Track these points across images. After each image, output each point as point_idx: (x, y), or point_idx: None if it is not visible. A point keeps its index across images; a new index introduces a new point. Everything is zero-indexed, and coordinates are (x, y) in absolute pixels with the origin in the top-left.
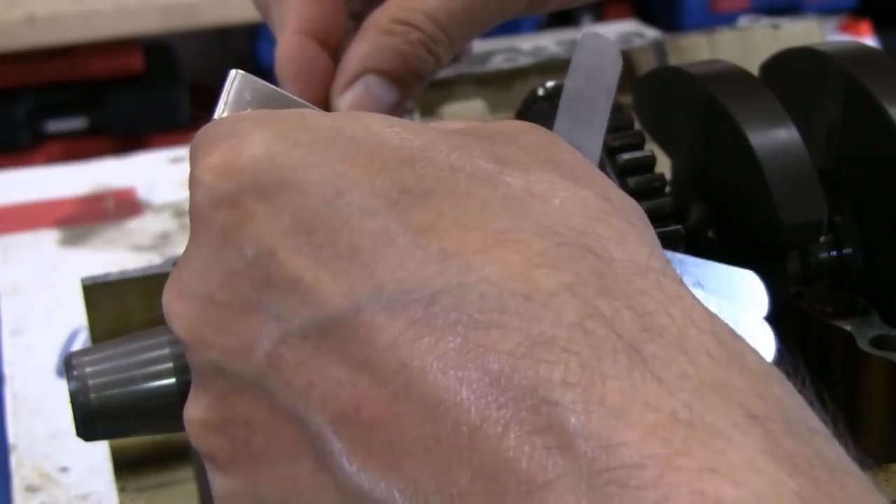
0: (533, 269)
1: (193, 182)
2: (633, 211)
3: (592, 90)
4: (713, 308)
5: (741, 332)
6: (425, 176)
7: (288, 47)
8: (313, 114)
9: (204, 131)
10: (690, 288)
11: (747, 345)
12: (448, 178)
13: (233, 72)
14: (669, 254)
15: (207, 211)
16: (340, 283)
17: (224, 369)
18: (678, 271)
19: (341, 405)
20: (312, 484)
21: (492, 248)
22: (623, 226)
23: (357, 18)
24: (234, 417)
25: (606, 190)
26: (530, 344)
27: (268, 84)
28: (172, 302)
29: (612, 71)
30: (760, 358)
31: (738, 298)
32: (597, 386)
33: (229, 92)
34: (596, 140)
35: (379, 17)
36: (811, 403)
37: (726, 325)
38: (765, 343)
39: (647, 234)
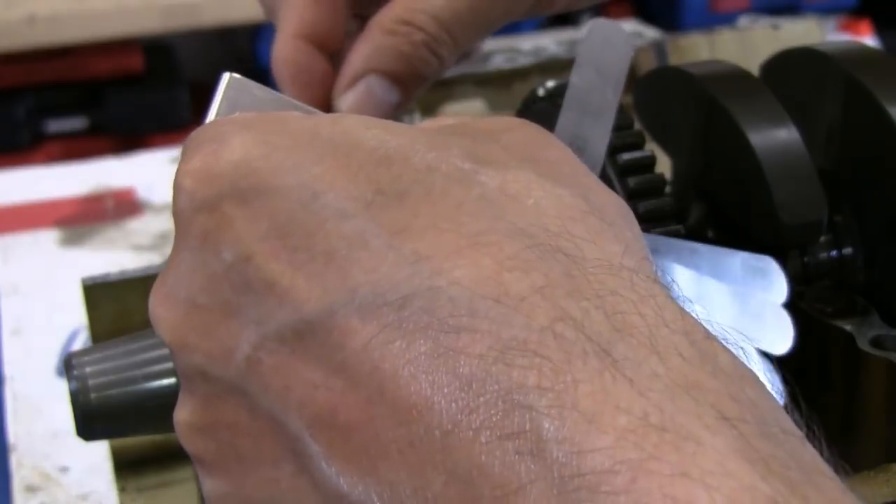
0: (504, 273)
1: (175, 187)
2: (614, 209)
3: (601, 80)
4: (729, 297)
5: (760, 319)
6: (401, 177)
7: (283, 50)
8: (295, 117)
9: (191, 136)
10: (705, 277)
11: (720, 345)
12: (424, 179)
13: (225, 75)
14: (684, 243)
15: (188, 216)
16: (315, 287)
17: (207, 373)
18: (693, 261)
19: (318, 408)
20: (294, 486)
21: (464, 250)
22: (598, 224)
23: (363, 19)
24: (219, 420)
25: (586, 188)
26: (501, 348)
27: (260, 86)
28: (157, 306)
29: (623, 60)
30: (734, 358)
31: (757, 285)
32: (570, 390)
33: (220, 95)
34: (603, 132)
35: (383, 18)
36: (785, 405)
37: (699, 325)
38: (783, 330)
39: (626, 231)
